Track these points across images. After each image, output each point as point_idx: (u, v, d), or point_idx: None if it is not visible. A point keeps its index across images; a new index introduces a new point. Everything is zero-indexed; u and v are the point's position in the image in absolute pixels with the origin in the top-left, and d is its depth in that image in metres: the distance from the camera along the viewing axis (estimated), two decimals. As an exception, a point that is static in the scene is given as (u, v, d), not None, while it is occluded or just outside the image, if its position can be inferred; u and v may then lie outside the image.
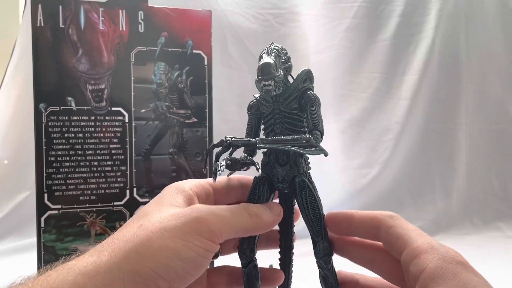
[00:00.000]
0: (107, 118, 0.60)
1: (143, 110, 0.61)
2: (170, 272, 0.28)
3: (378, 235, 0.33)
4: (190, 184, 0.36)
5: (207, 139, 0.64)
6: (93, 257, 0.28)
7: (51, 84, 0.58)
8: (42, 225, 0.58)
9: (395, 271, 0.32)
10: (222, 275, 0.40)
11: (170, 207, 0.32)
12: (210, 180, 0.37)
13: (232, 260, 0.41)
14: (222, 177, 0.38)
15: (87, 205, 0.59)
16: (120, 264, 0.27)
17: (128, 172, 0.61)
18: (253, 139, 0.34)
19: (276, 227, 0.37)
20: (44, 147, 0.57)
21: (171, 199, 0.33)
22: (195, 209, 0.31)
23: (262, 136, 0.38)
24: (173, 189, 0.35)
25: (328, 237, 0.36)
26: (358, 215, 0.35)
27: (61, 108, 0.58)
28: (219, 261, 0.39)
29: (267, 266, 0.44)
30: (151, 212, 0.32)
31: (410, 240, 0.30)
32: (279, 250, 0.40)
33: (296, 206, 0.38)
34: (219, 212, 0.31)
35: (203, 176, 0.63)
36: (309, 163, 0.37)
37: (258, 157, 0.37)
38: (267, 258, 0.43)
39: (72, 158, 0.58)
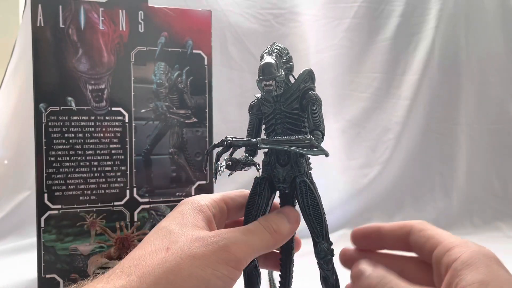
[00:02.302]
0: (107, 118, 0.59)
1: (143, 110, 0.61)
2: None
3: (408, 242, 0.34)
4: (207, 203, 0.36)
5: (207, 139, 0.64)
6: (122, 280, 0.28)
7: (51, 84, 0.58)
8: (42, 225, 0.58)
9: (425, 277, 0.33)
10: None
11: (194, 229, 0.32)
12: (223, 197, 0.38)
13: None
14: (235, 193, 0.39)
15: (87, 205, 0.59)
16: None
17: (128, 172, 0.61)
18: (254, 139, 0.34)
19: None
20: (44, 147, 0.57)
21: (193, 220, 0.34)
22: (221, 237, 0.31)
23: (263, 136, 0.38)
24: (192, 206, 0.35)
25: (329, 237, 0.36)
26: (386, 225, 0.36)
27: (61, 108, 0.58)
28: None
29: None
30: (175, 233, 0.32)
31: (443, 238, 0.31)
32: (279, 250, 0.40)
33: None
34: (244, 238, 0.32)
35: (203, 176, 0.63)
36: (310, 163, 0.37)
37: (259, 157, 0.37)
38: (267, 258, 0.43)
39: (72, 158, 0.58)
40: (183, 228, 0.32)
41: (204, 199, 0.36)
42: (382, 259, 0.37)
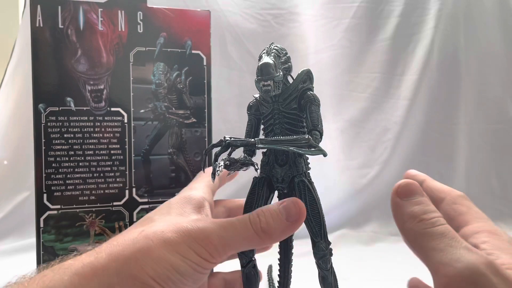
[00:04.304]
0: (106, 118, 0.60)
1: (142, 111, 0.61)
2: (168, 282, 0.28)
3: (438, 208, 0.32)
4: (198, 191, 0.37)
5: (206, 139, 0.64)
6: (90, 257, 0.28)
7: (50, 85, 0.58)
8: (42, 225, 0.58)
9: None
10: (218, 280, 0.41)
11: (176, 217, 0.32)
12: (207, 183, 0.39)
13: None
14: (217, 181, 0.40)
15: (86, 205, 0.59)
16: (118, 268, 0.28)
17: (127, 172, 0.61)
18: (252, 139, 0.34)
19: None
20: (43, 148, 0.57)
21: (179, 209, 0.34)
22: (196, 227, 0.30)
23: (261, 136, 0.38)
24: (181, 197, 0.36)
25: (328, 237, 0.36)
26: (430, 181, 0.35)
27: (60, 108, 0.58)
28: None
29: (266, 266, 0.44)
30: (155, 220, 0.32)
31: (475, 220, 0.29)
32: (278, 250, 0.40)
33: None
34: (220, 233, 0.30)
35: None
36: (309, 163, 0.37)
37: (258, 157, 0.37)
38: (266, 258, 0.43)
39: (71, 159, 0.58)
40: (166, 217, 0.32)
41: (197, 190, 0.37)
42: None
